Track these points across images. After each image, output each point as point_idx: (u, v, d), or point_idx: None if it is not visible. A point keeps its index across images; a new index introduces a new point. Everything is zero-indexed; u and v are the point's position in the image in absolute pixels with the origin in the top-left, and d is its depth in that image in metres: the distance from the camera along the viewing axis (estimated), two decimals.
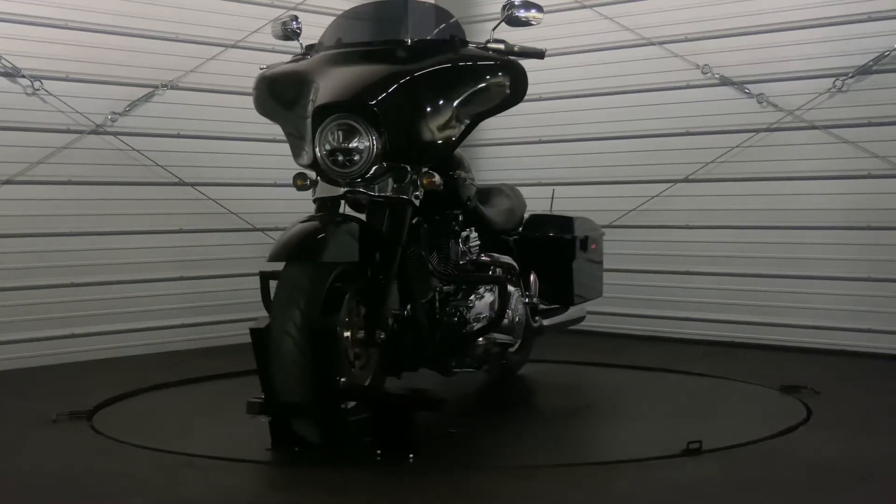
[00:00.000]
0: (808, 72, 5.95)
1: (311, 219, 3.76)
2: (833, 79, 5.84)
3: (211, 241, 6.31)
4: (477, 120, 3.97)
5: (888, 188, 5.71)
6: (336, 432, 3.63)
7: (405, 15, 4.16)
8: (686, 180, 6.41)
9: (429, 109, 3.83)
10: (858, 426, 4.17)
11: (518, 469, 3.60)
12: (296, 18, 4.24)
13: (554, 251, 5.01)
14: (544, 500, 3.25)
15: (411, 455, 3.60)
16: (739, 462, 3.62)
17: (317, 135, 3.74)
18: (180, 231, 6.19)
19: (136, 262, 5.98)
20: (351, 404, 3.64)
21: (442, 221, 4.22)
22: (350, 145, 3.70)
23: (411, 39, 3.99)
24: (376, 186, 3.80)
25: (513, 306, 4.49)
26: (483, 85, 3.97)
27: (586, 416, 4.53)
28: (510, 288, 4.48)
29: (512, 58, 4.03)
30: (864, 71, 5.74)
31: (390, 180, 3.81)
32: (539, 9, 4.00)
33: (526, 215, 5.15)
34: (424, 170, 3.84)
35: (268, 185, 6.51)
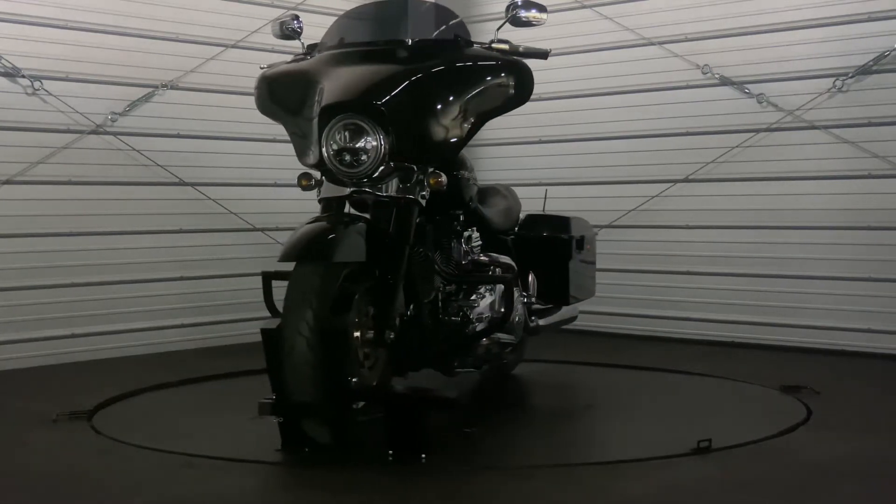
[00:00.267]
0: (808, 72, 5.95)
1: (319, 219, 3.75)
2: (833, 79, 5.84)
3: (211, 241, 6.31)
4: (483, 120, 3.96)
5: (888, 188, 5.71)
6: (347, 433, 3.62)
7: (410, 15, 4.16)
8: (686, 180, 6.41)
9: (436, 109, 3.83)
10: (858, 426, 4.17)
11: (518, 469, 3.60)
12: (297, 17, 4.23)
13: (551, 251, 5.01)
14: (545, 500, 3.25)
15: (423, 455, 3.59)
16: (739, 462, 3.62)
17: (324, 135, 3.73)
18: (180, 231, 6.18)
19: (136, 262, 5.98)
20: (359, 405, 3.63)
21: (444, 221, 4.22)
22: (357, 145, 3.70)
23: (417, 39, 3.99)
24: (382, 186, 3.79)
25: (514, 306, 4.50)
26: (490, 85, 3.97)
27: (586, 416, 4.53)
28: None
29: (517, 58, 4.03)
30: (864, 71, 5.75)
31: (396, 180, 3.80)
32: (543, 9, 4.00)
33: (521, 215, 5.15)
34: (431, 170, 3.84)
35: (268, 185, 6.51)
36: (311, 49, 4.16)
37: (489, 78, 3.97)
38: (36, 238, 5.60)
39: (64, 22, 5.69)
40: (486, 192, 4.91)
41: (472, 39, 4.04)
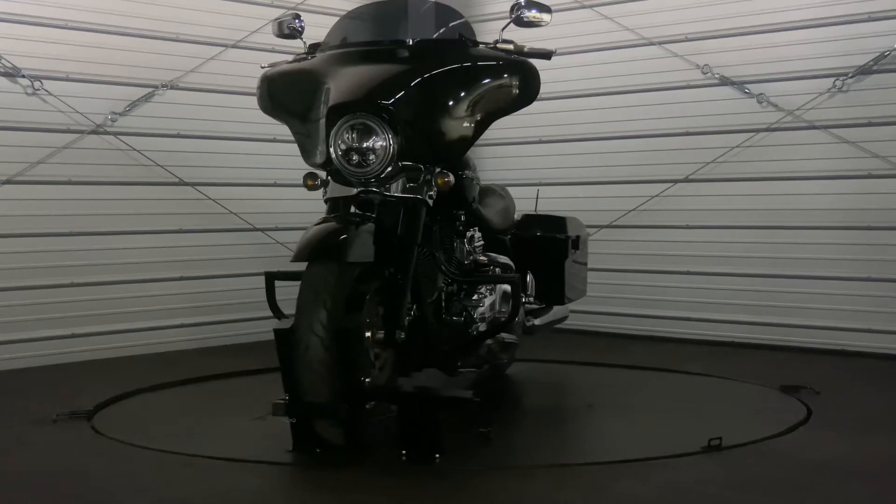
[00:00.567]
0: (808, 72, 5.95)
1: (329, 219, 3.75)
2: (833, 79, 5.84)
3: (211, 241, 6.31)
4: (490, 120, 3.95)
5: (888, 188, 5.71)
6: (360, 433, 3.62)
7: (414, 15, 4.16)
8: (686, 180, 6.41)
9: (444, 109, 3.83)
10: (858, 426, 4.17)
11: (519, 468, 3.60)
12: (298, 17, 4.22)
13: (549, 250, 5.01)
14: (546, 499, 3.25)
15: (437, 455, 3.59)
16: (740, 462, 3.62)
17: (331, 134, 3.72)
18: (180, 231, 6.18)
19: (136, 262, 5.97)
20: (371, 405, 3.62)
21: (447, 221, 4.22)
22: (366, 145, 3.69)
23: (422, 39, 3.99)
24: (389, 186, 3.79)
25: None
26: (497, 85, 3.96)
27: (587, 416, 4.53)
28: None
29: (523, 58, 4.03)
30: (864, 71, 5.74)
31: (403, 180, 3.80)
32: (547, 10, 4.00)
33: (517, 215, 5.15)
34: (438, 170, 3.84)
35: (268, 185, 6.51)
36: (313, 49, 4.16)
37: (496, 78, 3.97)
38: (36, 238, 5.60)
39: (64, 22, 5.69)
40: (484, 192, 4.92)
41: (477, 39, 4.04)
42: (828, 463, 3.62)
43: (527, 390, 5.11)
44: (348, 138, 3.71)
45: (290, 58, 4.19)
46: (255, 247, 6.41)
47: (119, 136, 5.89)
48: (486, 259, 4.55)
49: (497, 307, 4.42)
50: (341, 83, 3.80)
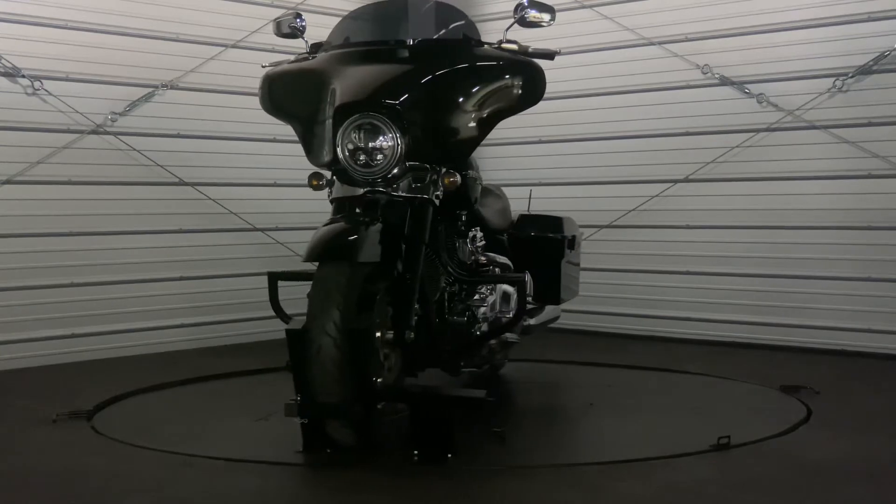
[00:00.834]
0: (808, 72, 5.95)
1: (338, 219, 3.73)
2: (833, 79, 5.84)
3: (211, 241, 6.31)
4: (497, 120, 3.94)
5: (888, 188, 5.71)
6: (371, 433, 3.62)
7: (419, 15, 4.15)
8: (686, 180, 6.41)
9: (451, 109, 3.83)
10: (858, 426, 4.17)
11: (518, 468, 3.60)
12: (299, 16, 4.20)
13: (546, 250, 5.00)
14: (546, 499, 3.25)
15: (450, 455, 3.59)
16: (739, 462, 3.62)
17: (339, 134, 3.71)
18: (180, 231, 6.18)
19: (136, 262, 5.97)
20: (382, 405, 3.61)
21: (449, 221, 4.22)
22: (374, 145, 3.69)
23: (428, 39, 3.99)
24: (395, 186, 3.78)
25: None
26: (504, 85, 3.96)
27: (586, 416, 4.53)
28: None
29: (529, 58, 4.03)
30: (864, 71, 5.74)
31: (409, 180, 3.80)
32: (551, 10, 4.00)
33: (514, 215, 5.15)
34: (445, 170, 3.84)
35: (268, 185, 6.51)
36: (315, 48, 4.15)
37: (503, 78, 3.96)
38: (36, 238, 5.60)
39: (64, 22, 5.69)
40: (482, 192, 4.91)
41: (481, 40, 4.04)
42: (828, 463, 3.62)
43: (527, 390, 5.11)
44: (356, 138, 3.70)
45: (292, 57, 4.18)
46: (255, 247, 6.41)
47: (119, 136, 5.89)
48: (485, 259, 4.55)
49: (498, 307, 4.42)
50: (348, 83, 3.79)
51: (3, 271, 5.48)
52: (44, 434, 4.05)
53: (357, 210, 3.76)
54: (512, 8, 3.99)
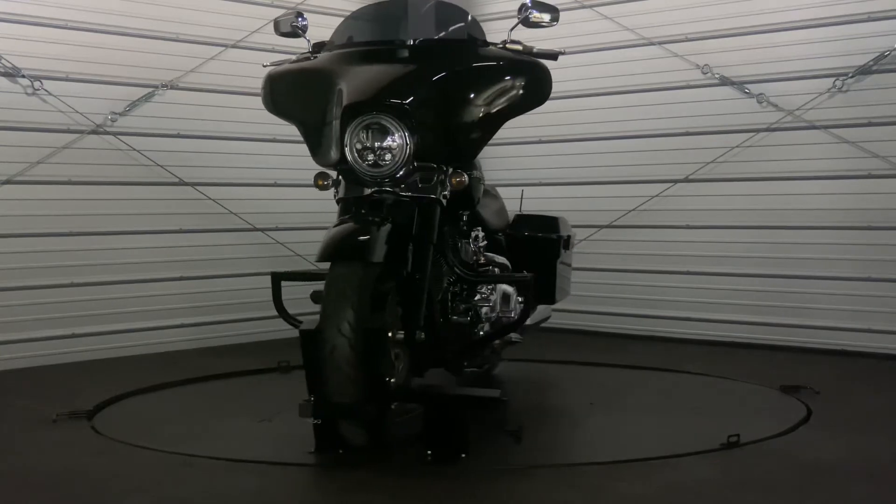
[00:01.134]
0: (808, 72, 5.95)
1: (348, 219, 3.73)
2: (833, 79, 5.84)
3: (211, 241, 6.31)
4: (503, 120, 3.94)
5: (888, 188, 5.71)
6: (383, 434, 3.61)
7: (423, 14, 4.15)
8: (686, 180, 6.41)
9: (459, 109, 3.83)
10: (858, 426, 4.17)
11: (521, 468, 3.60)
12: (301, 15, 4.20)
13: (543, 250, 5.00)
14: (546, 499, 3.25)
15: (463, 455, 3.59)
16: (739, 462, 3.62)
17: (346, 134, 3.71)
18: (180, 231, 6.18)
19: (136, 262, 5.97)
20: (393, 405, 3.61)
21: (452, 221, 4.22)
22: (382, 144, 3.69)
23: (434, 39, 3.99)
24: (403, 186, 3.78)
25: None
26: (510, 85, 3.96)
27: (586, 416, 4.52)
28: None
29: (534, 58, 4.03)
30: (864, 71, 5.74)
31: (416, 180, 3.79)
32: (555, 11, 4.00)
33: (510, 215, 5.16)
34: (452, 170, 3.84)
35: (268, 185, 6.51)
36: (318, 48, 4.14)
37: (509, 78, 3.96)
38: (36, 238, 5.60)
39: (64, 22, 5.69)
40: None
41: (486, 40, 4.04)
42: (828, 463, 3.62)
43: (526, 390, 5.10)
44: (364, 137, 3.69)
45: (294, 57, 4.17)
46: (255, 247, 6.41)
47: (119, 136, 5.89)
48: (484, 259, 4.55)
49: (499, 307, 4.42)
50: (355, 82, 3.78)
51: (3, 271, 5.48)
52: (44, 434, 4.05)
53: (364, 210, 3.75)
54: (513, 8, 4.00)
